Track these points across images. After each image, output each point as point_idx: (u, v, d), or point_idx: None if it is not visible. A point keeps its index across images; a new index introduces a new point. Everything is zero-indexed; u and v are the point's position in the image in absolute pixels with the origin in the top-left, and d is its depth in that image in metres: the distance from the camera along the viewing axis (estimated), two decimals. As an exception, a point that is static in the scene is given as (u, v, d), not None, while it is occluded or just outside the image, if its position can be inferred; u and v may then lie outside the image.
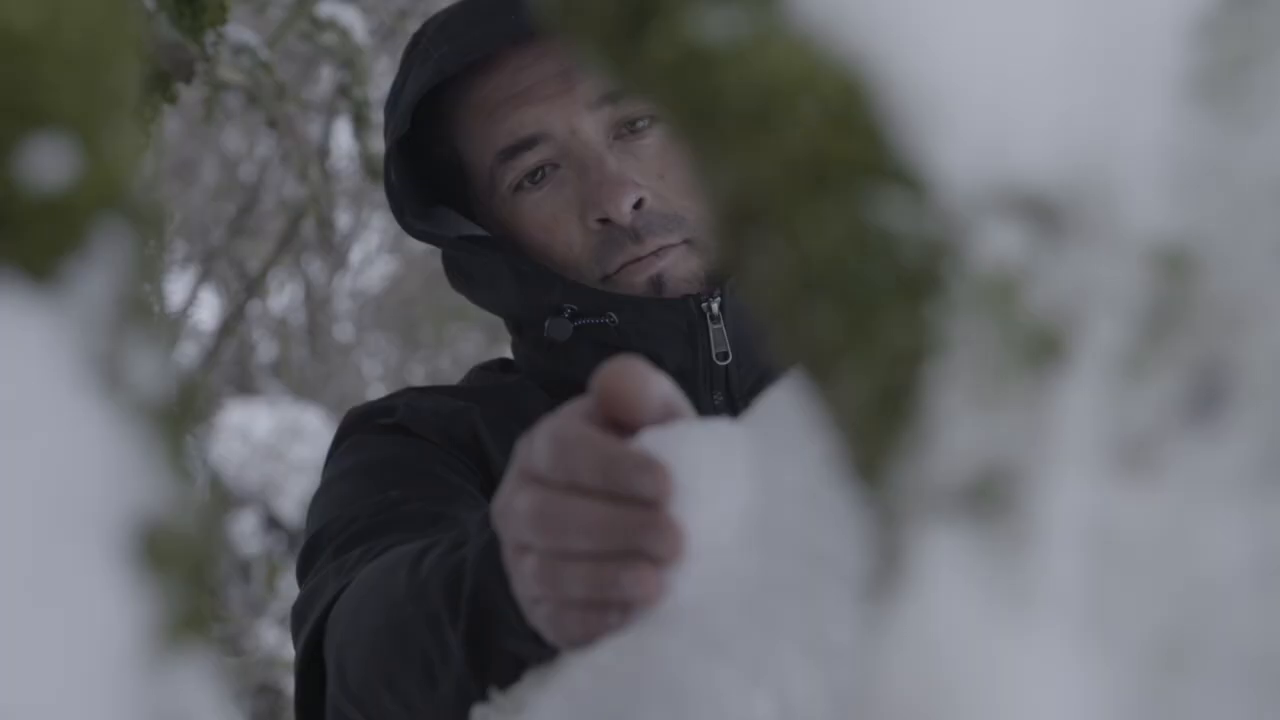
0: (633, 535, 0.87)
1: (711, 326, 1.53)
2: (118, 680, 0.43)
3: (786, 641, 0.84)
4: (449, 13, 1.62)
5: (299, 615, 1.46)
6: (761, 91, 0.48)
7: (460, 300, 1.69)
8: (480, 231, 1.62)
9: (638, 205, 1.51)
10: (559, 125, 1.53)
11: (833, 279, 0.47)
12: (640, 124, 1.54)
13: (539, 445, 0.94)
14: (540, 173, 1.54)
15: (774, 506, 0.87)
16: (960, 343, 0.45)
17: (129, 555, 0.44)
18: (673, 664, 0.86)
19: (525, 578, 0.95)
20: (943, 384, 0.45)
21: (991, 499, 0.44)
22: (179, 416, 0.47)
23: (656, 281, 1.53)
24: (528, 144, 1.54)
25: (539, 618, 0.96)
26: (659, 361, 1.53)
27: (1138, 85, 0.47)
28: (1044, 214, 0.46)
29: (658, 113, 0.51)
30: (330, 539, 1.47)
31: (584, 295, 1.54)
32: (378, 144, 4.07)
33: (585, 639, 0.91)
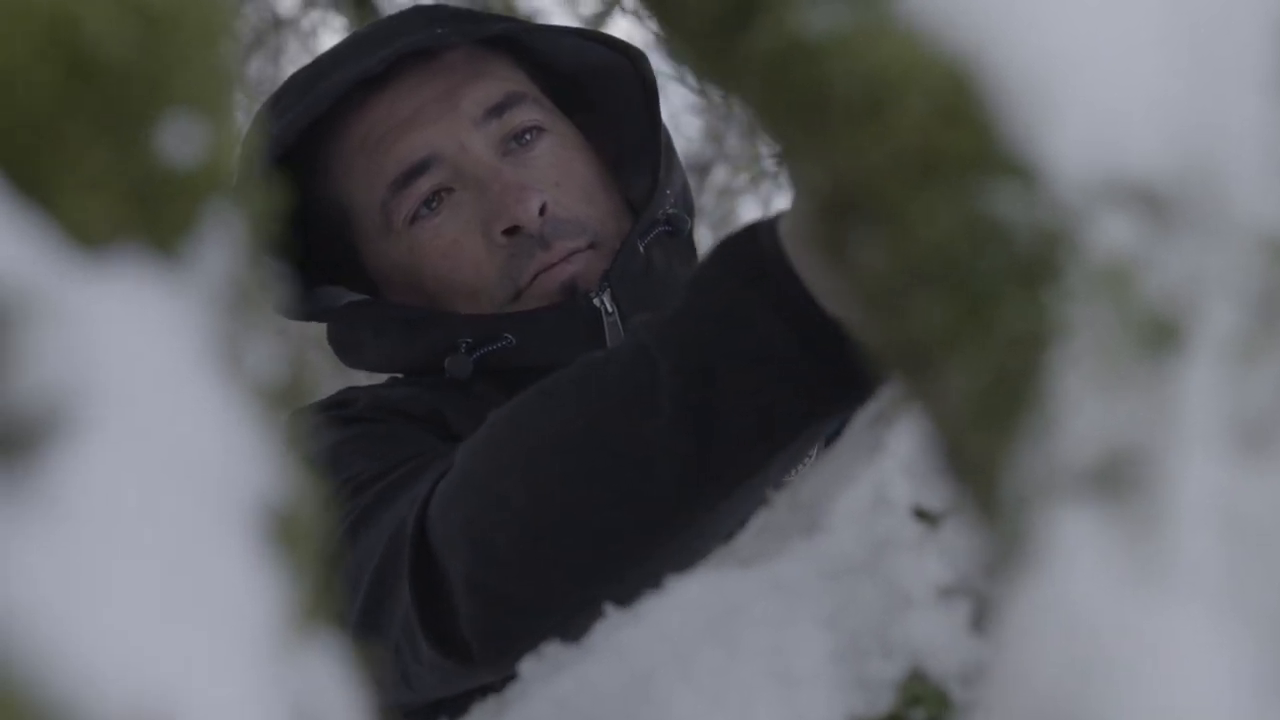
0: None
1: (606, 321, 1.50)
2: (261, 666, 0.42)
3: (751, 667, 0.84)
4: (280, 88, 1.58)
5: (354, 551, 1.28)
6: (870, 83, 0.48)
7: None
8: (360, 297, 1.57)
9: (541, 211, 1.48)
10: (448, 144, 1.50)
11: (945, 268, 0.47)
12: (526, 137, 1.51)
13: None
14: (436, 198, 1.50)
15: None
16: (1079, 329, 0.46)
17: (261, 539, 0.43)
18: (634, 691, 0.85)
19: None
20: (1064, 369, 0.46)
21: (1119, 480, 0.45)
22: (291, 400, 0.46)
23: (569, 287, 1.49)
24: (419, 169, 1.50)
25: None
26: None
27: (1232, 78, 0.49)
28: (1154, 203, 0.47)
29: (752, 106, 0.51)
30: (342, 502, 1.32)
31: (477, 324, 1.50)
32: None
33: None
